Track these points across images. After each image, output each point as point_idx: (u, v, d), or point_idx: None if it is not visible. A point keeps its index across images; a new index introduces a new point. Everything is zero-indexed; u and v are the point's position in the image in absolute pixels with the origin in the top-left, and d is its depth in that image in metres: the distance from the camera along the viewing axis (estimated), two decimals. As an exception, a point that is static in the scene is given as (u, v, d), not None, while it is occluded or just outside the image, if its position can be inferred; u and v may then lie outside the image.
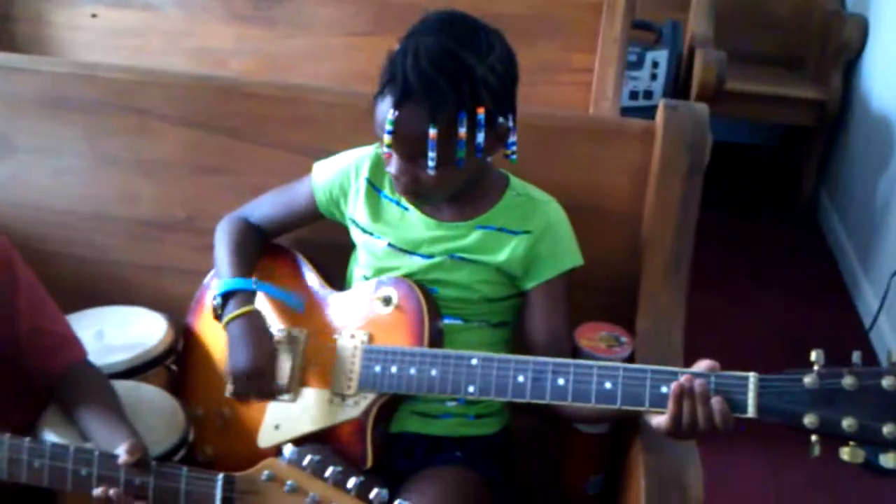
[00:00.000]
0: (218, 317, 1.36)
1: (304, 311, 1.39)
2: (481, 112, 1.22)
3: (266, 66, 2.39)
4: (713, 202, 3.50)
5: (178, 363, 1.47)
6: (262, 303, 1.39)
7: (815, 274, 3.40)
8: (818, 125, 3.68)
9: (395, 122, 1.21)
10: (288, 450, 1.08)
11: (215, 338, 1.42)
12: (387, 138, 1.22)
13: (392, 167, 1.28)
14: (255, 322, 1.35)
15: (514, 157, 1.30)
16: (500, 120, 1.27)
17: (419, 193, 1.31)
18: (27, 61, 1.68)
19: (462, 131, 1.22)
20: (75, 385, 1.26)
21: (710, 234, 3.31)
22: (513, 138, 1.30)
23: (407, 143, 1.23)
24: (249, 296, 1.37)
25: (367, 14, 2.36)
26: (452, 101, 1.20)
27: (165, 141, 1.60)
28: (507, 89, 1.28)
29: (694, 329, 2.18)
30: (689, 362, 1.18)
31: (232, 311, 1.34)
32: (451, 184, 1.30)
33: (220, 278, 1.39)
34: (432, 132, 1.20)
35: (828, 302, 3.19)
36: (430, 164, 1.21)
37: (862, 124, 3.54)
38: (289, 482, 1.04)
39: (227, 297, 1.35)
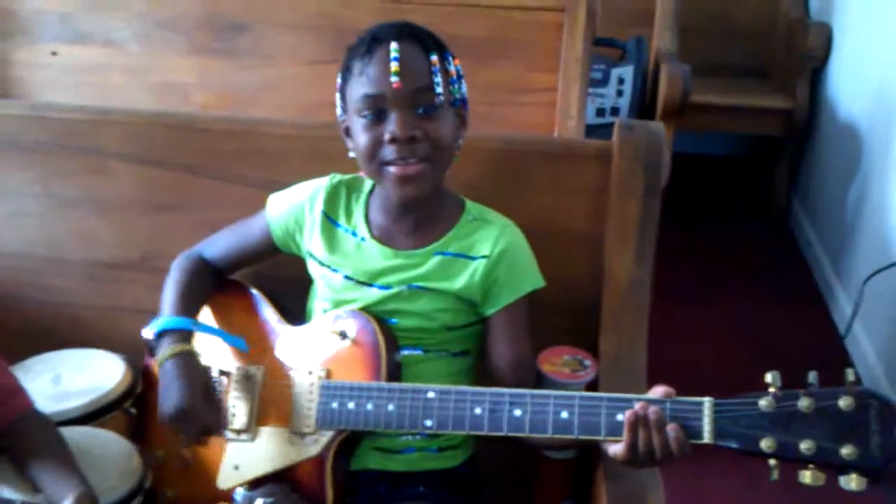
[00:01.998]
0: (152, 356, 1.34)
1: (247, 351, 1.37)
2: (458, 63, 1.31)
3: (229, 98, 2.39)
4: (684, 214, 3.54)
5: (137, 405, 1.45)
6: (216, 342, 1.37)
7: (789, 282, 3.41)
8: (786, 134, 3.70)
9: (400, 54, 1.23)
10: (239, 494, 1.06)
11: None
12: (395, 76, 1.22)
13: (393, 124, 1.25)
14: (187, 361, 1.31)
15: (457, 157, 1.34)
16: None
17: (422, 156, 1.27)
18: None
19: (451, 69, 1.30)
20: (23, 436, 1.23)
21: (683, 247, 3.35)
22: (463, 135, 1.35)
23: (411, 77, 1.24)
24: (186, 335, 1.34)
25: (327, 42, 2.35)
26: (436, 43, 1.29)
27: (121, 180, 1.58)
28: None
29: (667, 343, 2.18)
30: (660, 380, 1.17)
31: (164, 352, 1.32)
32: (446, 145, 1.29)
33: (160, 316, 1.37)
34: (434, 58, 1.26)
35: (803, 310, 3.20)
36: (438, 90, 1.25)
37: (829, 132, 3.56)
38: (242, 527, 1.03)
39: (161, 336, 1.33)
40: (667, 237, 1.67)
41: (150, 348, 1.34)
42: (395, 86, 1.23)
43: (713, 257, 3.50)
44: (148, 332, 1.34)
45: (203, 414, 1.29)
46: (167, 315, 1.36)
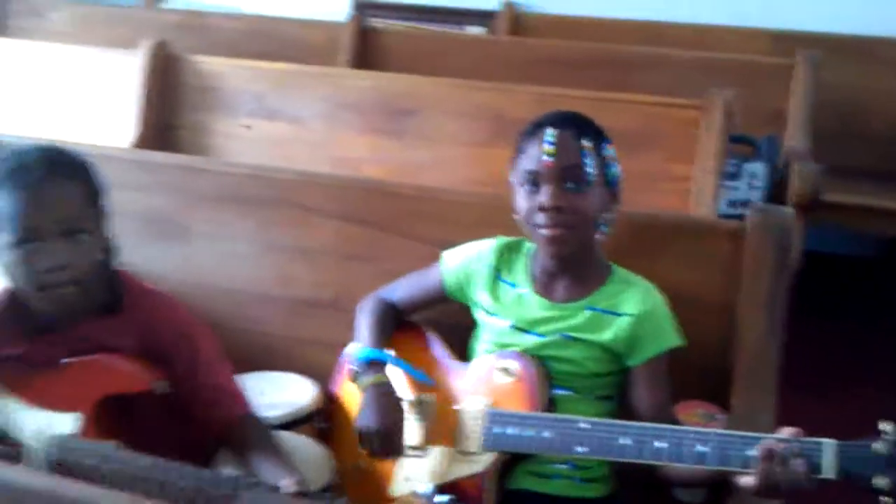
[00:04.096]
0: (354, 380, 1.59)
1: (433, 384, 1.61)
2: (612, 148, 1.55)
3: (395, 173, 2.68)
4: (813, 309, 3.60)
5: (324, 422, 1.71)
6: (399, 372, 1.62)
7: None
8: (919, 236, 3.74)
9: (555, 138, 1.48)
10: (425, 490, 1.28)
11: (353, 401, 1.65)
12: (547, 156, 1.48)
13: (543, 196, 1.50)
14: (386, 390, 1.57)
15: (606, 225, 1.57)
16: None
17: (565, 224, 1.50)
18: (205, 162, 2.02)
19: (605, 153, 1.53)
20: (245, 432, 1.49)
21: (811, 341, 3.41)
22: (614, 209, 1.57)
23: (562, 157, 1.49)
24: (383, 366, 1.60)
25: (485, 128, 2.65)
26: (592, 130, 1.54)
27: (320, 232, 1.88)
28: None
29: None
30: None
31: (369, 378, 1.57)
32: (590, 216, 1.52)
33: (360, 346, 1.63)
34: (586, 142, 1.51)
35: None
36: (587, 170, 1.49)
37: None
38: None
39: (364, 364, 1.59)
40: (795, 329, 1.79)
41: (355, 373, 1.60)
42: (547, 164, 1.49)
43: (840, 352, 3.55)
44: (352, 359, 1.61)
45: (391, 436, 1.53)
46: (367, 347, 1.62)
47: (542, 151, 1.49)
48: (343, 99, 2.74)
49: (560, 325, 1.56)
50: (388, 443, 1.53)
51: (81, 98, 2.92)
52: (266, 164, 2.07)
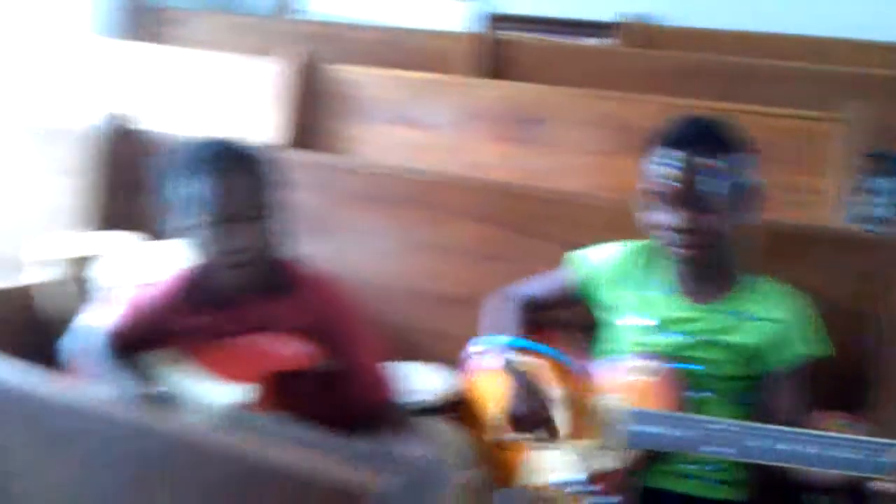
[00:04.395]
0: (503, 366, 1.66)
1: (574, 367, 1.66)
2: (746, 156, 1.54)
3: (522, 180, 2.72)
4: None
5: (457, 409, 1.78)
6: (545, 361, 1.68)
7: None
8: None
9: (682, 163, 1.50)
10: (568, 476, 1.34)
11: (486, 390, 1.72)
12: (675, 181, 1.50)
13: (675, 219, 1.52)
14: (531, 377, 1.63)
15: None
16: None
17: (699, 244, 1.53)
18: (352, 162, 2.13)
19: (737, 166, 1.53)
20: (388, 418, 1.58)
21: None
22: (748, 216, 1.57)
23: (692, 179, 1.50)
24: (526, 352, 1.66)
25: (610, 137, 2.68)
26: (724, 144, 1.53)
27: (457, 231, 1.97)
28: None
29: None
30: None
31: (514, 365, 1.64)
32: (724, 232, 1.54)
33: (502, 336, 1.70)
34: (716, 161, 1.51)
35: None
36: (715, 189, 1.49)
37: None
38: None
39: (511, 350, 1.66)
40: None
41: (506, 360, 1.66)
42: (675, 189, 1.52)
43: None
44: (498, 347, 1.68)
45: (544, 421, 1.60)
46: (512, 336, 1.69)
47: (669, 176, 1.52)
48: (474, 107, 2.82)
49: (701, 325, 1.60)
50: (541, 427, 1.59)
51: (224, 101, 3.09)
52: (408, 167, 2.17)
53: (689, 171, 1.51)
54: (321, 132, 2.98)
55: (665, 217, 1.54)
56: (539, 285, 1.81)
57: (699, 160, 1.51)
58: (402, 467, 0.96)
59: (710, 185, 1.51)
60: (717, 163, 1.51)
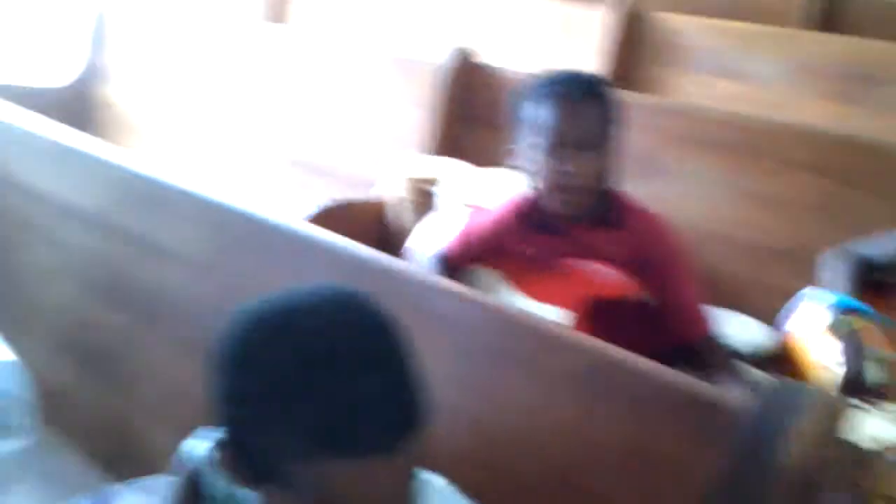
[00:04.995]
0: (831, 326, 1.63)
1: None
2: None
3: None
4: None
5: (775, 365, 1.78)
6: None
7: None
8: None
9: None
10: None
11: (810, 348, 1.69)
12: None
13: None
14: (864, 338, 1.59)
15: None
16: None
17: None
18: (684, 106, 2.15)
19: None
20: (708, 352, 1.62)
21: None
22: None
23: None
24: (853, 313, 1.63)
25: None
26: None
27: (787, 181, 1.94)
28: None
29: None
30: None
31: (845, 323, 1.61)
32: None
33: (832, 294, 1.67)
34: None
35: None
36: None
37: None
38: None
39: (841, 310, 1.63)
40: None
41: (835, 321, 1.64)
42: None
43: None
44: (827, 305, 1.66)
45: (865, 384, 1.56)
46: (845, 295, 1.66)
47: None
48: (805, 62, 2.73)
49: None
50: (870, 391, 1.56)
51: (550, 46, 3.20)
52: (740, 112, 2.16)
53: None
54: (642, 79, 3.02)
55: None
56: (878, 245, 1.75)
57: None
58: (759, 385, 0.99)
59: None
60: None
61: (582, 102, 1.57)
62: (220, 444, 0.82)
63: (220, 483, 1.02)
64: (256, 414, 0.76)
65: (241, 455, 0.79)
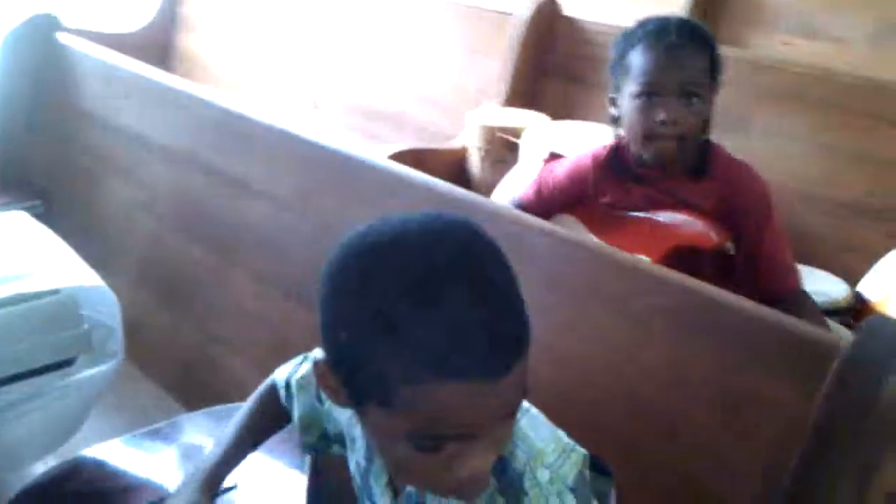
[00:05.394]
0: None
1: None
2: None
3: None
4: None
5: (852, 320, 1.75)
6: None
7: None
8: None
9: None
10: None
11: (889, 309, 1.66)
12: None
13: None
14: None
15: None
16: None
17: None
18: (772, 60, 2.12)
19: None
20: (795, 306, 1.58)
21: None
22: None
23: None
24: None
25: None
26: None
27: (877, 139, 1.89)
28: None
29: None
30: None
31: None
32: None
33: None
34: None
35: None
36: None
37: None
38: None
39: None
40: None
41: None
42: None
43: None
44: None
45: None
46: None
47: None
48: (892, 22, 2.63)
49: None
50: None
51: (631, 4, 3.13)
52: (833, 68, 2.11)
53: None
54: (726, 38, 2.92)
55: None
56: None
57: None
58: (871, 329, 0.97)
59: None
60: None
61: (685, 49, 1.54)
62: (324, 364, 0.82)
63: (315, 403, 1.04)
64: (366, 338, 0.75)
65: (346, 377, 0.80)
